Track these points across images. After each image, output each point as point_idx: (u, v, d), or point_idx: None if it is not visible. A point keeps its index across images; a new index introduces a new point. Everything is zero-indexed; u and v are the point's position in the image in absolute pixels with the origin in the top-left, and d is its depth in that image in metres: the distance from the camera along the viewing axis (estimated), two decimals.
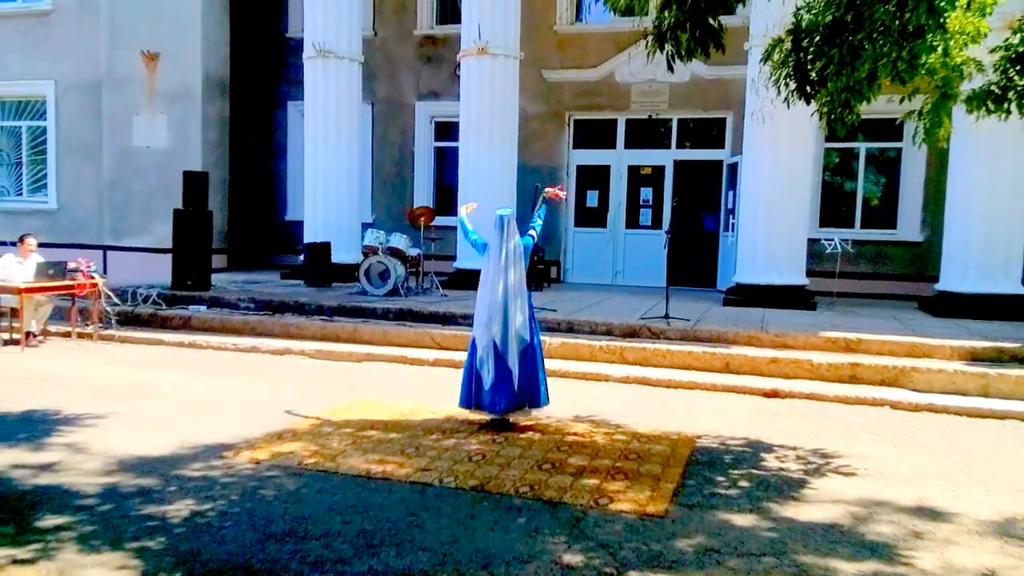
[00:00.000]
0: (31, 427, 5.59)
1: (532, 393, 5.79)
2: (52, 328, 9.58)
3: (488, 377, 5.67)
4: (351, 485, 4.49)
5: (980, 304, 9.66)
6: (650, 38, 5.17)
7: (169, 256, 11.08)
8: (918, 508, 4.35)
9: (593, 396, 7.02)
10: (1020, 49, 4.66)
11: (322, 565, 3.46)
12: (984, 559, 3.69)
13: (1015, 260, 9.87)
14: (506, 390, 5.66)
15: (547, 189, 6.35)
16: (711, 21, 5.02)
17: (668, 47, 5.07)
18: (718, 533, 3.91)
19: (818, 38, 4.59)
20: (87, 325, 9.55)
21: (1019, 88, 4.72)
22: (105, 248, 14.32)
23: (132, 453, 4.98)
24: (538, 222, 6.08)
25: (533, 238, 5.97)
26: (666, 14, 4.94)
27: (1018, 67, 4.70)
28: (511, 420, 5.80)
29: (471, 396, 5.81)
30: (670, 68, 5.29)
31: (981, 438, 5.92)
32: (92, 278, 9.33)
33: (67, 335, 9.51)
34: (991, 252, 9.71)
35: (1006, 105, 4.74)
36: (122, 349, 8.99)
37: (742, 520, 4.10)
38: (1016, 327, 8.91)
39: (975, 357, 7.54)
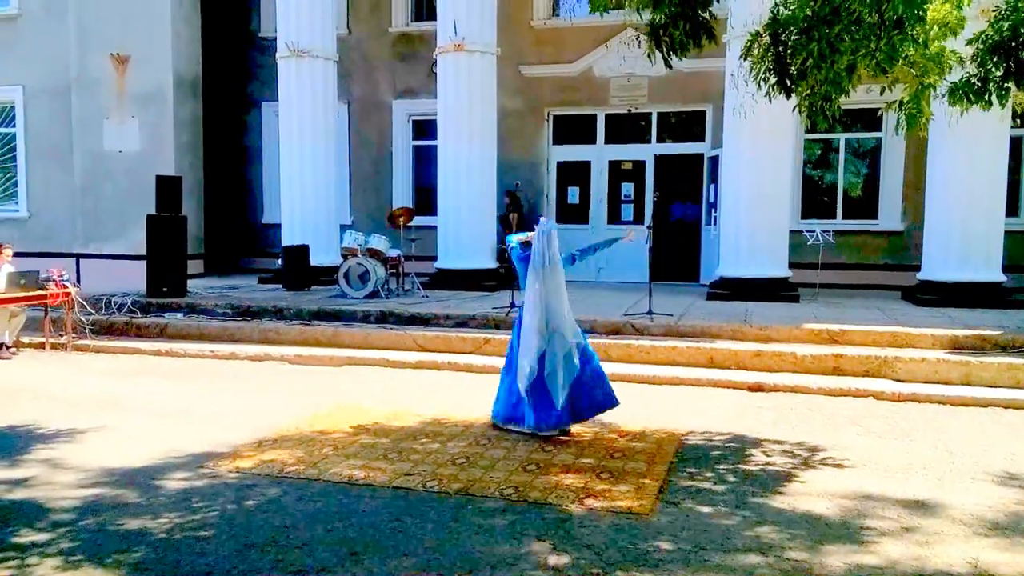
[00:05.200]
0: (6, 441, 5.47)
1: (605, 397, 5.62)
2: (25, 339, 9.40)
3: (561, 391, 5.38)
4: (334, 492, 4.42)
5: (962, 292, 9.72)
6: (643, 37, 5.15)
7: (144, 263, 10.89)
8: (903, 499, 4.34)
9: None
10: (996, 40, 4.66)
11: (304, 574, 3.40)
12: (968, 548, 3.68)
13: (996, 247, 9.92)
14: (579, 396, 5.49)
15: (623, 237, 6.48)
16: (702, 14, 5.00)
17: (664, 41, 5.04)
18: (704, 530, 3.88)
19: (796, 32, 4.57)
20: (61, 335, 9.38)
21: (997, 79, 4.73)
22: (78, 256, 14.07)
23: (110, 465, 4.88)
24: (590, 254, 6.13)
25: (573, 259, 5.91)
26: (659, 11, 4.91)
27: (995, 58, 4.70)
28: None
29: (528, 413, 5.52)
30: (667, 64, 5.28)
31: (964, 427, 5.94)
32: (64, 287, 9.15)
33: (41, 346, 9.33)
34: (972, 240, 9.75)
35: (987, 96, 4.75)
36: (97, 359, 8.83)
37: (728, 516, 4.07)
38: (998, 314, 8.98)
39: (957, 346, 7.58)
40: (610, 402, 5.60)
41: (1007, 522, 4.03)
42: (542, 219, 5.78)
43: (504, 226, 12.14)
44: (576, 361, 5.45)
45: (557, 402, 5.38)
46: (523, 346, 5.52)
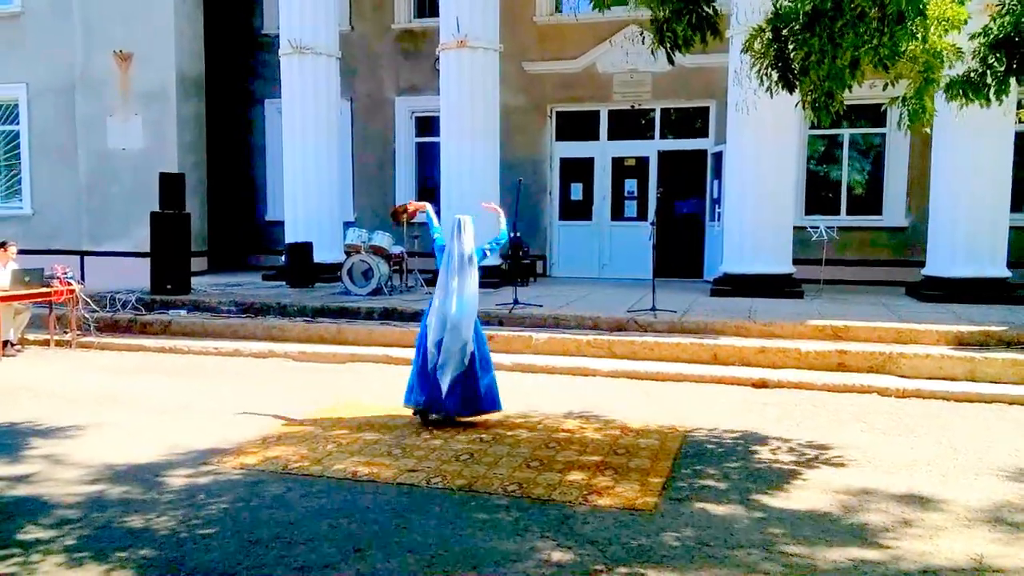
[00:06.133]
0: (9, 438, 5.49)
1: (491, 397, 5.78)
2: (30, 336, 9.42)
3: (446, 380, 5.59)
4: (338, 488, 4.43)
5: (967, 288, 9.69)
6: (647, 34, 5.15)
7: (148, 260, 10.92)
8: (907, 495, 4.33)
9: (581, 391, 6.98)
10: (999, 35, 4.64)
11: (309, 570, 3.40)
12: (972, 545, 3.68)
13: (1000, 243, 9.90)
14: (460, 392, 5.64)
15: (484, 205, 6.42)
16: (706, 9, 4.99)
17: (667, 36, 5.04)
18: (707, 526, 3.88)
19: (798, 26, 4.55)
20: (65, 332, 9.41)
21: (998, 74, 4.71)
22: (83, 253, 14.12)
23: (114, 462, 4.89)
24: (495, 244, 6.14)
25: (485, 253, 5.96)
26: (663, 6, 4.90)
27: (997, 53, 4.68)
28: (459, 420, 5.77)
29: (423, 396, 5.73)
30: (670, 60, 5.28)
31: (968, 423, 5.93)
32: (69, 284, 9.18)
33: (45, 343, 9.35)
34: (977, 236, 9.72)
35: (985, 92, 4.73)
36: (102, 356, 8.86)
37: (731, 512, 4.07)
38: (1002, 310, 8.95)
39: (962, 342, 7.56)
40: (494, 405, 5.77)
41: (1011, 518, 4.02)
42: (457, 216, 5.84)
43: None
44: (465, 360, 5.60)
45: (443, 390, 5.57)
46: (429, 333, 5.71)
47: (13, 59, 14.63)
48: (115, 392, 6.95)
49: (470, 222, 5.82)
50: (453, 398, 5.62)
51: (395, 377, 7.62)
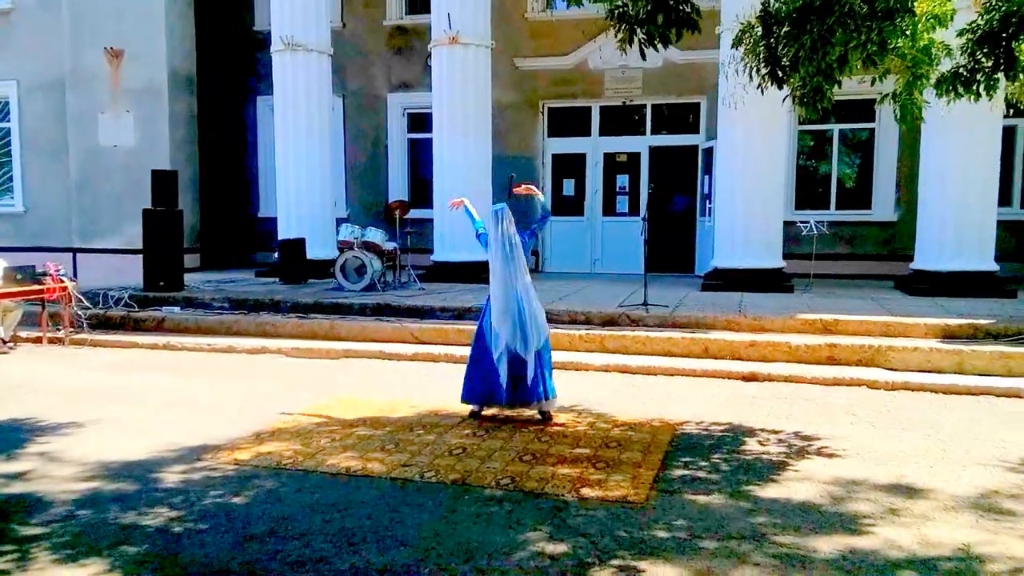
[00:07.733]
0: (2, 435, 5.48)
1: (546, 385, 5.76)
2: (22, 334, 9.40)
3: (504, 371, 5.58)
4: (331, 483, 4.45)
5: (955, 282, 9.77)
6: (622, 26, 5.16)
7: (140, 257, 10.91)
8: (895, 486, 4.39)
9: (573, 385, 7.00)
10: (986, 30, 4.69)
11: (302, 565, 3.42)
12: (959, 534, 3.73)
13: (988, 237, 9.98)
14: (524, 383, 5.63)
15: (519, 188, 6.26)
16: (684, 7, 5.01)
17: (640, 34, 5.05)
18: (699, 518, 3.92)
19: (788, 23, 4.58)
20: (58, 330, 9.39)
21: (987, 70, 4.76)
22: (75, 250, 14.09)
23: (108, 459, 4.90)
24: (540, 228, 6.19)
25: (535, 235, 6.04)
26: (637, 4, 4.92)
27: (984, 49, 4.73)
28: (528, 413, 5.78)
29: (483, 391, 5.72)
30: (642, 55, 5.29)
31: (956, 415, 5.99)
32: (61, 281, 9.16)
33: (38, 341, 9.33)
34: (965, 229, 9.81)
35: (975, 88, 4.78)
36: (95, 353, 8.84)
37: (722, 504, 4.11)
38: (990, 303, 9.03)
39: (950, 335, 7.63)
40: (551, 394, 5.75)
41: (998, 507, 4.08)
42: (494, 207, 5.80)
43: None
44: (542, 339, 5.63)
45: (528, 376, 5.55)
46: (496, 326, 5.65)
47: (4, 55, 14.61)
48: (108, 389, 6.95)
49: (508, 209, 5.75)
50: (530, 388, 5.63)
51: (388, 372, 7.66)
